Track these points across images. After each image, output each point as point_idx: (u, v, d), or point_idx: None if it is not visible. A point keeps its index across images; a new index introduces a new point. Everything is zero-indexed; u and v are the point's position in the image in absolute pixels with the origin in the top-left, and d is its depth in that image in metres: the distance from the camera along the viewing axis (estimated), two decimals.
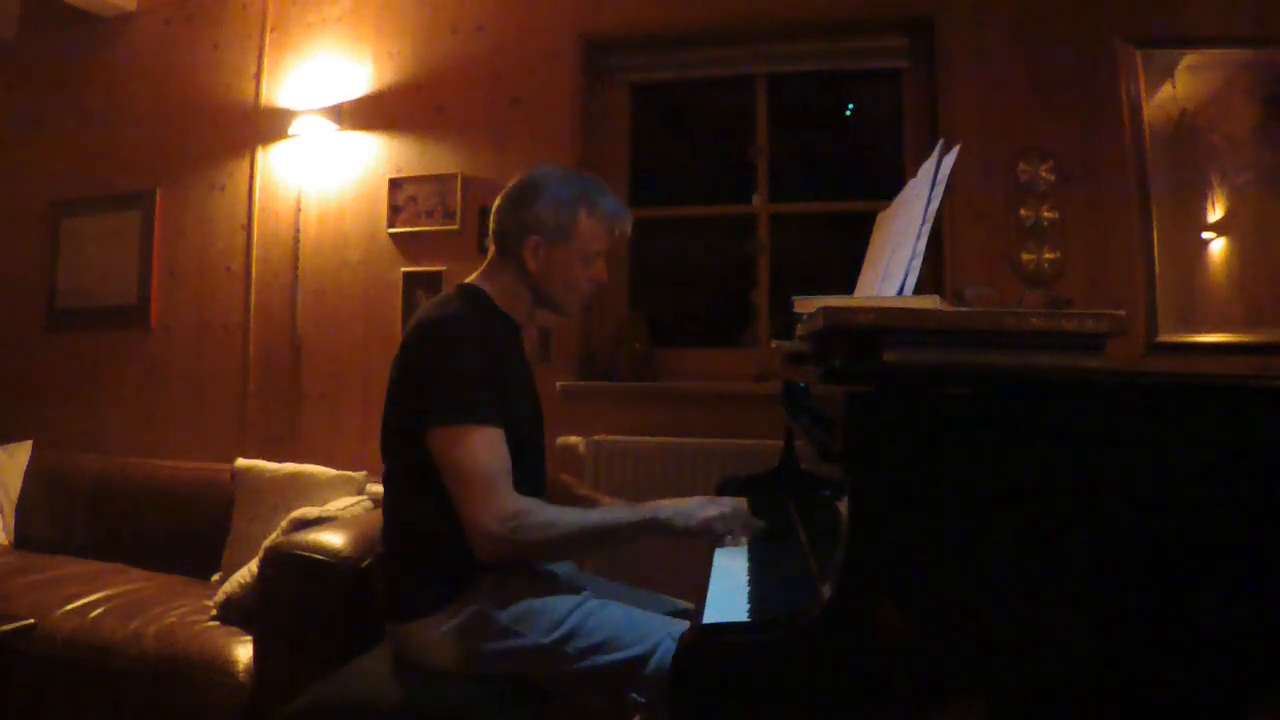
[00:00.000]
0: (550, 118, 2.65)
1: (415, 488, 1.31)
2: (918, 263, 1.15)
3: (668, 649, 1.21)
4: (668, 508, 1.32)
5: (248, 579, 2.03)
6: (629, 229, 1.51)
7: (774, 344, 1.80)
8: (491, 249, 1.47)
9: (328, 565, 1.79)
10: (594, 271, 1.47)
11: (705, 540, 1.39)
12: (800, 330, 1.30)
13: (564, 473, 1.80)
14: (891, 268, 1.26)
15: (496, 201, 1.46)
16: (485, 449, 1.24)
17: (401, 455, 1.36)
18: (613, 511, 1.35)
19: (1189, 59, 2.31)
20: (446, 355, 1.29)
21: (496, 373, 1.31)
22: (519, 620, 1.29)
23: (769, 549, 1.41)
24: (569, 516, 1.28)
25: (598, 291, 1.54)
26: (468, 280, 1.47)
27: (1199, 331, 2.26)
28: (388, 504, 1.41)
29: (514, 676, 1.31)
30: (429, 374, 1.29)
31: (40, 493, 2.83)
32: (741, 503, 1.37)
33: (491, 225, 1.46)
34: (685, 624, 1.25)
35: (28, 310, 3.20)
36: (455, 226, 2.68)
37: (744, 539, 1.44)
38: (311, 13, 2.92)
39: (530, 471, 1.42)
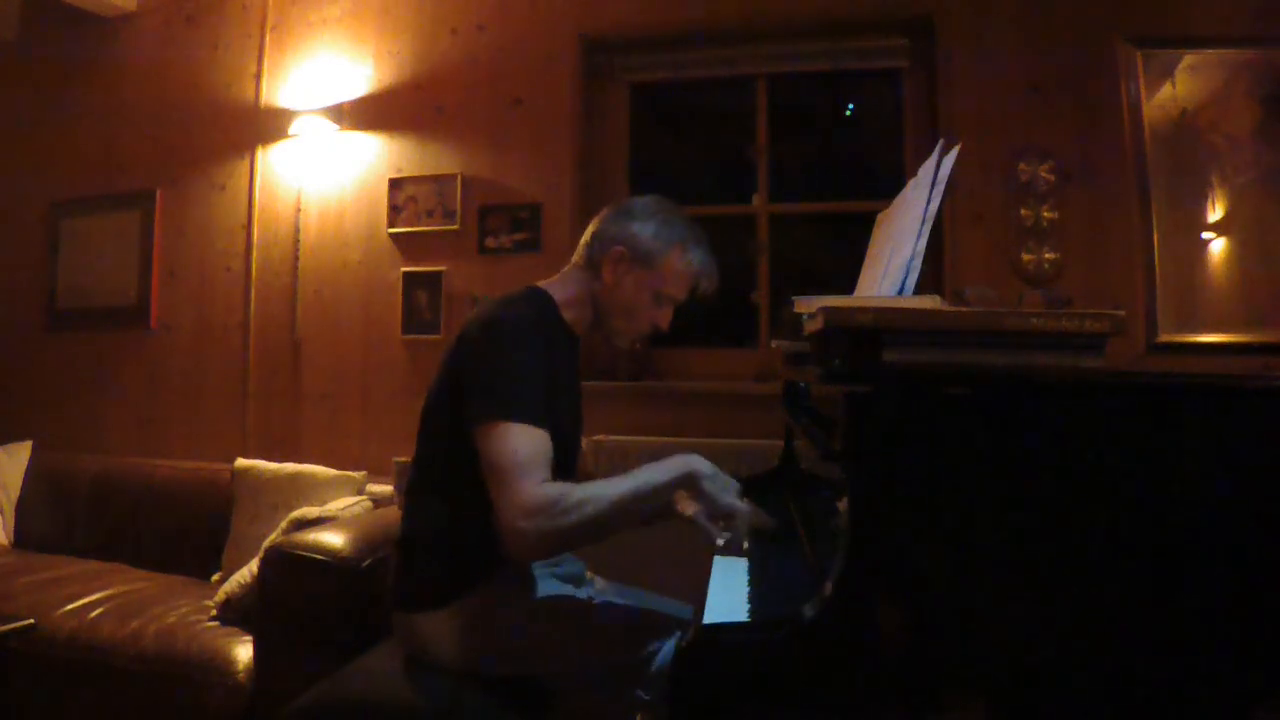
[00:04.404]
0: (550, 118, 2.66)
1: (444, 478, 1.30)
2: (918, 263, 1.15)
3: (670, 649, 1.21)
4: (705, 464, 1.26)
5: (248, 579, 2.03)
6: (712, 290, 1.49)
7: (774, 344, 1.80)
8: (576, 257, 1.48)
9: (328, 565, 1.79)
10: (660, 315, 1.46)
11: (719, 512, 1.29)
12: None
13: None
14: (891, 268, 1.26)
15: (603, 211, 1.48)
16: (526, 444, 1.19)
17: (436, 444, 1.35)
18: (642, 475, 1.24)
19: (1189, 59, 2.31)
20: (503, 354, 1.27)
21: (547, 380, 1.29)
22: (522, 620, 1.29)
23: (769, 549, 1.41)
24: (600, 491, 1.20)
25: (648, 335, 1.52)
26: (538, 284, 1.46)
27: (1199, 331, 2.26)
28: (412, 490, 1.40)
29: (517, 676, 1.31)
30: (484, 372, 1.27)
31: (40, 493, 2.83)
32: (753, 511, 1.31)
33: (588, 232, 1.47)
34: (686, 623, 1.25)
35: (28, 310, 3.20)
36: (455, 226, 2.69)
37: (745, 544, 1.37)
38: (311, 13, 2.92)
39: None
